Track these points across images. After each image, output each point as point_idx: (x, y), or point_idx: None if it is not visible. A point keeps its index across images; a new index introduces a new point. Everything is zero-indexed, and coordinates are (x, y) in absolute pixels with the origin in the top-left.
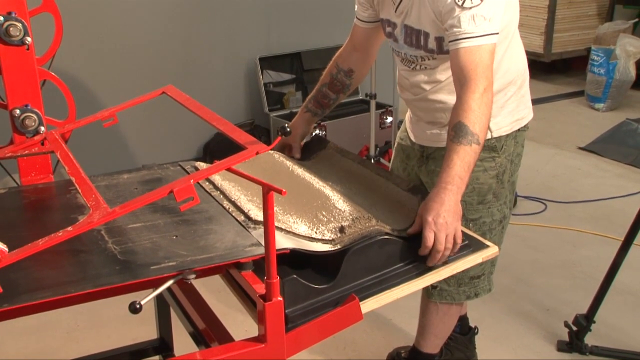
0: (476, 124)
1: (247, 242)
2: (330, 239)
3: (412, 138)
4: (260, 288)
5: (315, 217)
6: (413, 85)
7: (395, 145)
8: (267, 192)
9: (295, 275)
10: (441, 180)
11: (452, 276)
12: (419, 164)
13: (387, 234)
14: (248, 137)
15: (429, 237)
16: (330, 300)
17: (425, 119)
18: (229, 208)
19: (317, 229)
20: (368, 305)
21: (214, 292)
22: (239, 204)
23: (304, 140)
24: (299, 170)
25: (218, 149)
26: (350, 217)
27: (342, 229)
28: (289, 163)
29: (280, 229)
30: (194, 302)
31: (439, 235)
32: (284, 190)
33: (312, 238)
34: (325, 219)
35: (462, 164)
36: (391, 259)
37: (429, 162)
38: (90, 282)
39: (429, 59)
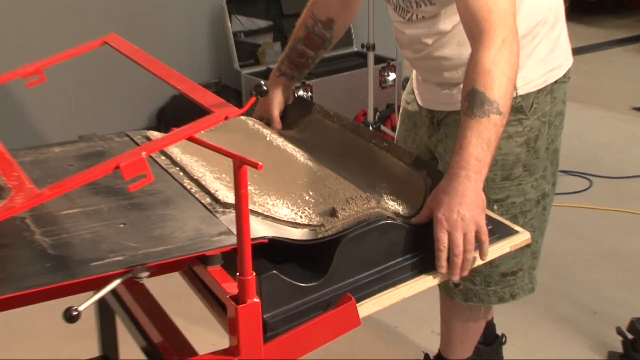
0: (494, 89)
1: (214, 230)
2: (319, 224)
3: (420, 102)
4: (231, 288)
5: (300, 198)
6: (412, 41)
7: (401, 111)
8: (240, 167)
9: (275, 272)
10: (454, 165)
11: (478, 272)
12: (429, 133)
13: (390, 218)
14: (215, 99)
15: (442, 239)
16: (320, 301)
17: (432, 80)
18: (191, 188)
19: (302, 212)
20: (367, 308)
21: (173, 296)
22: (203, 182)
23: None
24: (279, 141)
25: (176, 115)
26: (344, 197)
27: (333, 213)
28: (266, 132)
29: (257, 214)
30: (148, 308)
31: (455, 235)
32: (260, 164)
33: (296, 224)
34: (313, 201)
35: (479, 142)
36: (396, 250)
37: (441, 130)
38: (12, 285)
39: (426, 5)
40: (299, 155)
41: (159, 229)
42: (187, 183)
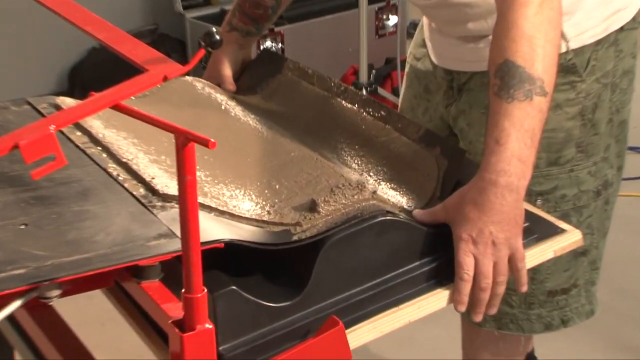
0: (537, 61)
1: (150, 231)
2: (293, 222)
3: (434, 58)
4: (174, 309)
5: (267, 187)
6: None
7: (407, 69)
8: (184, 145)
9: (235, 287)
10: (488, 168)
11: (515, 290)
12: (447, 101)
13: (389, 212)
14: (149, 53)
15: (466, 265)
16: (296, 327)
17: (451, 32)
18: (117, 175)
19: (270, 206)
20: (360, 335)
21: (95, 323)
22: (135, 167)
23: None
24: (238, 110)
25: (95, 75)
26: (327, 185)
27: (313, 206)
28: (220, 97)
29: (209, 208)
30: (59, 340)
31: (483, 262)
32: (212, 140)
33: (262, 222)
34: (285, 191)
35: (521, 134)
36: (398, 256)
37: (462, 97)
38: None
39: None
40: (266, 128)
41: (74, 230)
42: (112, 168)
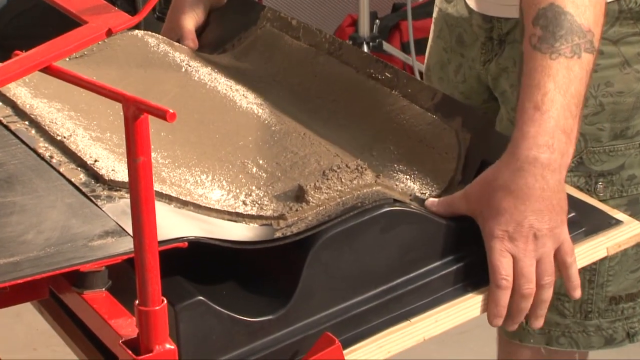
0: (589, 8)
1: (93, 227)
2: (275, 215)
3: (469, 2)
4: (126, 325)
5: (242, 170)
6: None
7: (435, 13)
8: (135, 117)
9: (202, 297)
10: (521, 143)
11: (567, 295)
12: (485, 56)
13: (397, 201)
14: (87, 0)
15: (503, 268)
16: (281, 347)
17: None
18: (51, 157)
19: (247, 195)
20: (364, 356)
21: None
22: (73, 146)
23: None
24: (203, 72)
25: (17, 30)
26: (318, 168)
27: (300, 194)
28: (180, 56)
29: (168, 198)
30: None
31: (525, 263)
32: (171, 110)
33: (236, 214)
34: (265, 175)
35: (566, 100)
36: (409, 257)
37: (505, 50)
38: None
39: None
40: (239, 96)
41: None
42: (43, 147)
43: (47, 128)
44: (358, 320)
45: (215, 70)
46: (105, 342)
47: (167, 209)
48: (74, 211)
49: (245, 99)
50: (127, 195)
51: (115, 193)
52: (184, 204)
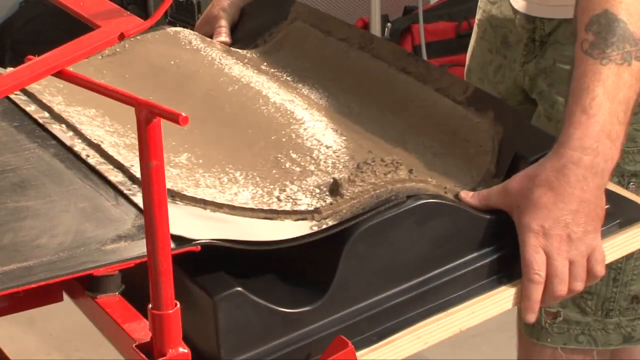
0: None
1: (106, 232)
2: (310, 209)
3: (512, 0)
4: (139, 329)
5: (275, 165)
6: None
7: (479, 15)
8: (148, 120)
9: (240, 288)
10: (567, 143)
11: (591, 293)
12: (525, 57)
13: (432, 195)
14: (100, 4)
15: (536, 263)
16: (317, 338)
17: None
18: (88, 156)
19: (280, 191)
20: (401, 347)
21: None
22: (109, 149)
23: None
24: (236, 68)
25: (29, 35)
26: (353, 162)
27: (335, 188)
28: (213, 53)
29: (203, 202)
30: None
31: (558, 261)
32: (183, 114)
33: (271, 212)
34: (298, 169)
35: (614, 106)
36: (444, 250)
37: (547, 52)
38: None
39: None
40: (271, 91)
41: (10, 232)
42: (79, 147)
43: (83, 132)
44: (394, 312)
45: (248, 66)
46: (119, 346)
47: (202, 213)
48: (87, 215)
49: (278, 95)
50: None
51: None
52: (219, 206)
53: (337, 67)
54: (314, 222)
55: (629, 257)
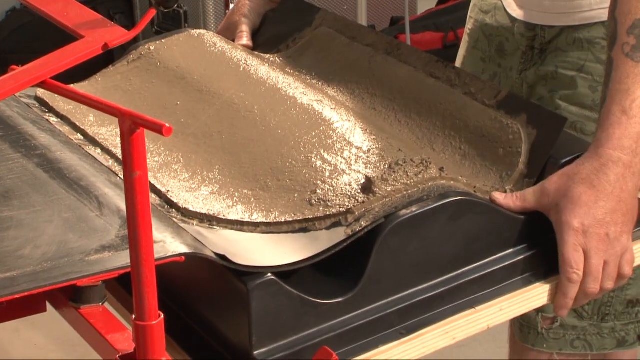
0: None
1: (90, 242)
2: (342, 210)
3: (512, 10)
4: (122, 340)
5: (306, 164)
6: None
7: (470, 24)
8: (131, 131)
9: (273, 276)
10: (606, 142)
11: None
12: (523, 65)
13: (463, 193)
14: (85, 15)
15: (575, 261)
16: (347, 329)
17: None
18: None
19: (312, 192)
20: (430, 341)
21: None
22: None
23: None
24: (261, 70)
25: (15, 44)
26: (383, 161)
27: (368, 186)
28: (238, 55)
29: (239, 224)
30: None
31: (594, 260)
32: (167, 125)
33: (305, 221)
34: (329, 168)
35: None
36: (474, 247)
37: (547, 59)
38: None
39: None
40: (299, 93)
41: None
42: (116, 169)
43: (118, 155)
44: (424, 307)
45: (273, 69)
46: (103, 357)
47: (238, 237)
48: (70, 226)
49: (306, 96)
50: (201, 225)
51: (190, 220)
52: (255, 225)
53: (363, 71)
54: (348, 225)
55: None
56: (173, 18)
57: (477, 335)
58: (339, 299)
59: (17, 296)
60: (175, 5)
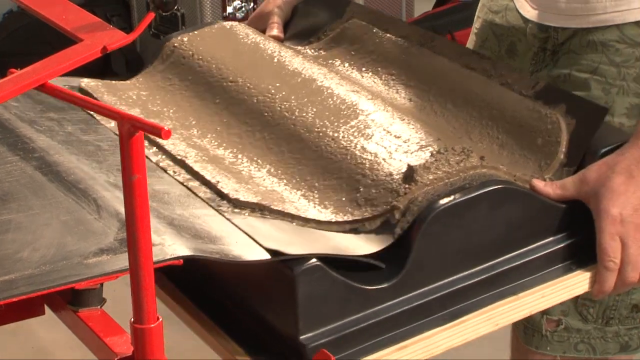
0: None
1: (88, 245)
2: (388, 207)
3: (525, 10)
4: (121, 343)
5: (345, 154)
6: None
7: (478, 24)
8: (130, 135)
9: (320, 262)
10: None
11: (594, 301)
12: (535, 66)
13: (506, 182)
14: (83, 18)
15: (612, 250)
16: (391, 315)
17: None
18: (175, 172)
19: (355, 189)
20: (473, 327)
21: None
22: (193, 165)
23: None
24: (296, 60)
25: (11, 47)
26: (423, 150)
27: (410, 174)
28: (271, 47)
29: (290, 217)
30: None
31: (632, 249)
32: (165, 128)
33: (355, 222)
34: (370, 158)
35: None
36: (516, 235)
37: (559, 60)
38: None
39: None
40: (335, 83)
41: None
42: (164, 163)
43: (166, 148)
44: (466, 293)
45: (306, 60)
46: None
47: (289, 228)
48: (69, 229)
49: (342, 87)
50: (253, 214)
51: (242, 210)
52: (306, 221)
53: (397, 62)
54: (396, 223)
55: None
56: (170, 20)
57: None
58: (384, 285)
59: (15, 299)
60: (174, 8)
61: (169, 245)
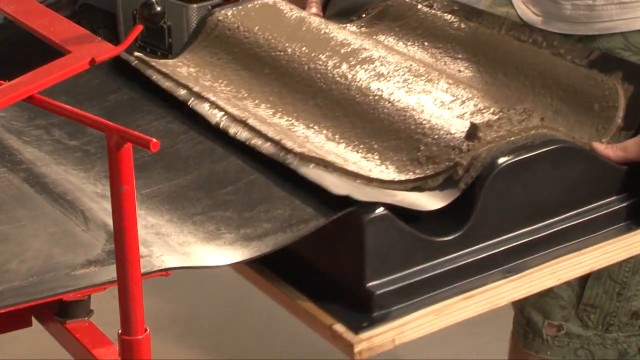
0: None
1: (76, 257)
2: (451, 164)
3: (525, 17)
4: (108, 354)
5: (404, 118)
6: None
7: None
8: (118, 146)
9: (388, 211)
10: None
11: (594, 306)
12: None
13: (567, 141)
14: (71, 30)
15: None
16: (455, 267)
17: None
18: (236, 133)
19: (416, 148)
20: (536, 281)
21: None
22: (256, 124)
23: None
24: (342, 34)
25: (4, 56)
26: (481, 112)
27: (473, 132)
28: (316, 21)
29: (354, 175)
30: None
31: None
32: (154, 140)
33: (417, 180)
34: (429, 119)
35: None
36: (577, 193)
37: None
38: None
39: None
40: (382, 52)
41: None
42: (225, 125)
43: (224, 108)
44: (529, 248)
45: (353, 35)
46: None
47: (354, 183)
48: (56, 240)
49: (392, 56)
50: (318, 167)
51: (307, 163)
52: (369, 180)
53: (444, 36)
54: (459, 179)
55: (634, 272)
56: (157, 33)
57: (467, 345)
58: (449, 237)
59: (2, 310)
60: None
61: (156, 257)
